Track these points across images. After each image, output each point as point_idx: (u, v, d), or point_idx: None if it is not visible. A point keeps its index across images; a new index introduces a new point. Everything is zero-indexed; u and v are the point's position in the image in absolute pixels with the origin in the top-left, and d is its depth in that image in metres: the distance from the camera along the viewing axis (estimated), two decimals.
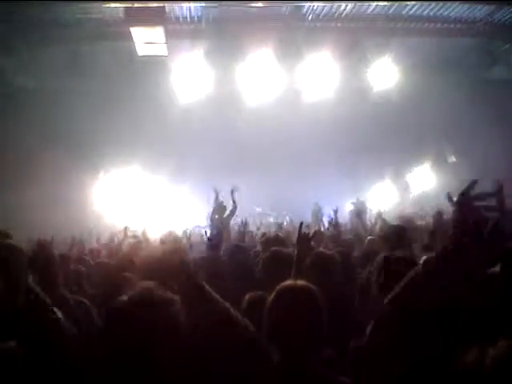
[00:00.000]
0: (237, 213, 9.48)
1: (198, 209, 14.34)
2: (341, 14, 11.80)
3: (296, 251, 3.53)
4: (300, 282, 2.29)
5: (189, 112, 12.78)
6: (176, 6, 11.01)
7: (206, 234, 7.61)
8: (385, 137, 14.50)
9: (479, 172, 12.70)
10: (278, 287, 2.27)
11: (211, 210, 10.23)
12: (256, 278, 3.91)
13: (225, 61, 12.26)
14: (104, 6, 10.45)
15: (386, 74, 12.70)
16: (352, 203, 13.50)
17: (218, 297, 2.15)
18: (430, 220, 7.39)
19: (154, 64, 12.39)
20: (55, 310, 2.48)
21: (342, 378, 2.23)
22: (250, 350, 2.12)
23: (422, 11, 11.99)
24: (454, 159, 16.03)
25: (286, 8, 11.53)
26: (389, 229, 5.30)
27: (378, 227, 8.03)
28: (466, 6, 11.80)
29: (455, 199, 1.85)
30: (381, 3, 11.15)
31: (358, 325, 3.20)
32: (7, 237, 4.02)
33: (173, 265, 2.08)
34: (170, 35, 11.01)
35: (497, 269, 2.11)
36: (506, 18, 12.40)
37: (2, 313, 2.26)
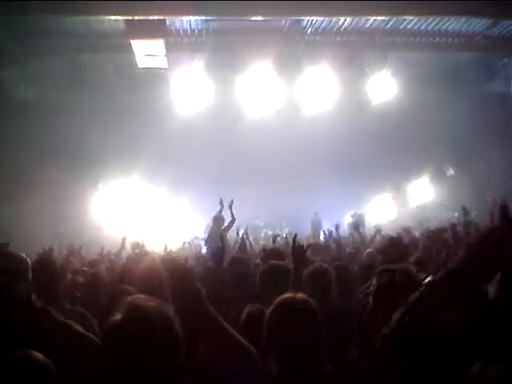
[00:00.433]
0: (235, 224, 9.50)
1: (197, 220, 14.35)
2: (340, 28, 11.89)
3: (292, 264, 3.54)
4: (299, 295, 2.29)
5: (188, 124, 12.82)
6: (176, 19, 11.09)
7: (207, 248, 7.62)
8: (384, 150, 14.54)
9: (478, 185, 12.77)
10: (276, 300, 2.27)
11: (210, 221, 10.26)
12: (254, 290, 3.91)
13: (224, 73, 12.34)
14: (105, 18, 10.53)
15: (384, 87, 12.75)
16: (351, 216, 13.52)
17: (226, 325, 2.13)
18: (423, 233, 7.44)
19: (154, 76, 12.47)
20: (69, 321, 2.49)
21: None
22: (251, 371, 2.11)
23: (420, 25, 12.08)
24: (453, 172, 16.07)
25: (285, 22, 11.62)
26: (386, 242, 5.33)
27: (376, 240, 8.06)
28: (464, 19, 11.88)
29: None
30: (379, 18, 11.23)
31: (355, 339, 3.21)
32: (3, 247, 4.04)
33: (185, 289, 2.05)
34: (170, 48, 11.09)
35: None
36: (504, 31, 12.48)
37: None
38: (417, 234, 8.31)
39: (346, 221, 13.34)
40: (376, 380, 2.02)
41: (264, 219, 15.81)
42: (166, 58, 11.25)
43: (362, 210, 14.52)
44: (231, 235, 9.31)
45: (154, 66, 11.62)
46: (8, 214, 10.85)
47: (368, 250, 6.01)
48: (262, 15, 10.59)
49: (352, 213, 13.82)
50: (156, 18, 10.25)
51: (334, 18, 11.38)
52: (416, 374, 2.00)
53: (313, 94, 12.61)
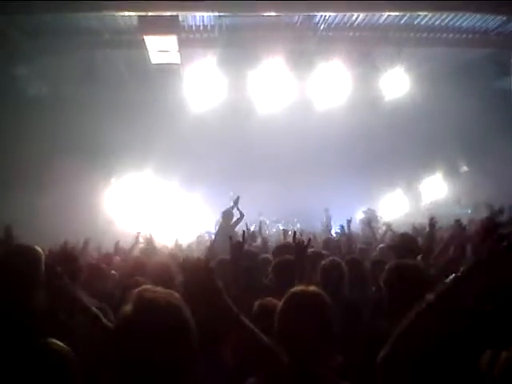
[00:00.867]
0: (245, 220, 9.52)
1: (208, 215, 14.41)
2: (353, 24, 11.84)
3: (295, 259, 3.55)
4: (310, 288, 2.32)
5: (201, 119, 12.87)
6: (189, 14, 11.12)
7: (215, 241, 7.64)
8: (396, 146, 14.49)
9: (491, 182, 12.68)
10: (288, 292, 2.30)
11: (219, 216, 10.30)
12: (263, 283, 3.94)
13: (237, 69, 12.35)
14: (118, 14, 10.58)
15: (397, 83, 12.70)
16: (363, 212, 13.51)
17: (245, 320, 2.15)
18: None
19: (167, 72, 12.52)
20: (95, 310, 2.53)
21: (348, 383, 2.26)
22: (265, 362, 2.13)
23: (434, 21, 11.99)
24: (466, 169, 15.96)
25: (298, 17, 11.59)
26: (398, 238, 5.32)
27: (387, 236, 8.06)
28: (478, 16, 11.78)
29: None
30: (393, 13, 11.17)
31: (366, 333, 3.22)
32: (10, 233, 4.11)
33: (204, 283, 2.05)
34: (183, 43, 11.12)
35: None
36: None
37: (16, 313, 2.31)
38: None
39: (358, 217, 13.33)
40: (389, 372, 2.03)
41: (274, 215, 15.81)
42: (178, 53, 11.28)
43: (375, 206, 14.49)
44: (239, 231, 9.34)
45: (167, 62, 11.66)
46: (20, 208, 10.96)
47: (381, 246, 6.01)
48: (275, 11, 10.57)
49: (364, 208, 13.81)
50: (169, 14, 10.29)
51: (347, 14, 11.33)
52: (430, 364, 2.02)
53: (325, 89, 12.59)
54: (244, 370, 2.20)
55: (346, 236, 7.61)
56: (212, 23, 11.61)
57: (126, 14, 10.32)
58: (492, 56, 13.84)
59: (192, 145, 14.03)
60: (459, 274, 1.86)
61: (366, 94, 13.40)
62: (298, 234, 3.90)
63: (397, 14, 11.22)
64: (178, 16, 10.54)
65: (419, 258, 4.26)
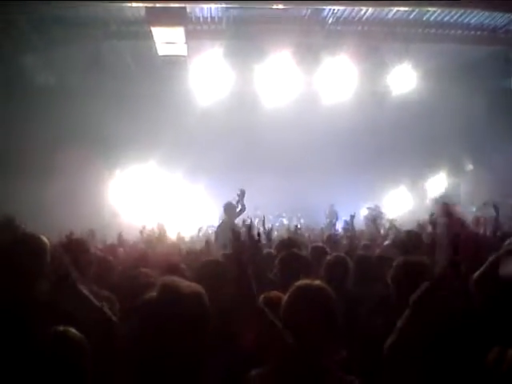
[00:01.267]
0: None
1: (212, 208, 14.42)
2: (361, 18, 11.79)
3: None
4: (315, 282, 2.33)
5: (206, 112, 12.87)
6: (197, 6, 11.09)
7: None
8: (402, 142, 14.46)
9: (496, 180, 12.65)
10: (293, 286, 2.31)
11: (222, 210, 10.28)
12: (268, 278, 3.94)
13: (244, 62, 12.33)
14: (126, 5, 10.56)
15: (404, 79, 12.65)
16: (367, 208, 13.49)
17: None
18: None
19: (174, 64, 12.50)
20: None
21: (353, 377, 2.26)
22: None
23: (443, 18, 11.93)
24: (472, 167, 15.91)
25: (306, 11, 11.54)
26: (403, 235, 5.32)
27: (391, 234, 8.04)
28: (487, 13, 11.71)
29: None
30: (401, 8, 11.11)
31: (369, 328, 3.23)
32: (11, 222, 4.12)
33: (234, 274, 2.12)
34: (190, 35, 11.09)
35: None
36: None
37: (19, 300, 2.33)
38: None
39: (362, 213, 13.31)
40: (395, 360, 2.05)
41: (278, 209, 15.80)
42: (185, 45, 11.26)
43: (379, 202, 14.47)
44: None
45: (174, 54, 11.65)
46: (25, 198, 10.99)
47: (386, 243, 6.01)
48: (283, 4, 10.53)
49: (368, 205, 13.79)
50: (177, 5, 10.27)
51: (356, 8, 11.27)
52: (436, 356, 2.03)
53: (332, 84, 12.57)
54: (256, 359, 2.21)
55: (350, 232, 7.60)
56: (219, 15, 11.58)
57: (134, 4, 10.30)
58: (499, 54, 13.75)
59: (197, 137, 14.03)
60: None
61: (372, 89, 13.37)
62: (301, 229, 3.90)
63: (405, 9, 11.17)
64: (185, 7, 10.51)
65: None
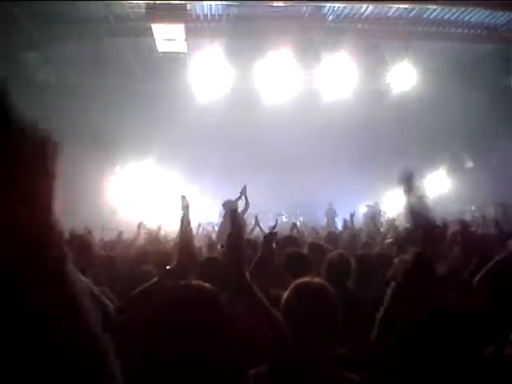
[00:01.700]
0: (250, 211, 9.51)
1: (211, 205, 14.41)
2: (361, 16, 11.77)
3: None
4: (315, 279, 2.33)
5: (206, 109, 12.86)
6: (197, 3, 11.06)
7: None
8: (401, 140, 14.45)
9: (496, 178, 12.65)
10: (293, 283, 2.31)
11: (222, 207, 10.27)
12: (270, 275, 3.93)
13: (244, 59, 12.31)
14: (126, 2, 10.54)
15: (404, 77, 12.65)
16: (367, 206, 13.49)
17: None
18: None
19: (174, 61, 12.48)
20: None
21: (353, 375, 2.26)
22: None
23: (443, 15, 11.92)
24: (472, 165, 15.91)
25: (306, 8, 11.52)
26: (402, 232, 5.31)
27: (390, 232, 8.03)
28: (488, 12, 11.70)
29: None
30: (402, 6, 11.10)
31: (369, 326, 3.22)
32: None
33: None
34: (190, 32, 11.07)
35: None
36: None
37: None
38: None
39: (361, 211, 13.32)
40: (379, 354, 2.06)
41: (277, 207, 15.78)
42: (185, 42, 11.24)
43: (378, 200, 14.48)
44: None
45: (174, 51, 11.63)
46: None
47: (389, 241, 6.00)
48: (283, 1, 10.52)
49: (367, 203, 13.80)
50: (177, 2, 10.25)
51: (356, 6, 11.26)
52: (433, 359, 2.03)
53: (332, 81, 12.55)
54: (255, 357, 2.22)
55: (349, 230, 7.61)
56: (220, 12, 11.56)
57: (134, 1, 10.28)
58: (500, 52, 13.75)
59: (197, 134, 14.02)
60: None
61: (372, 87, 13.36)
62: (300, 227, 3.90)
63: (406, 6, 11.15)
64: (185, 4, 10.50)
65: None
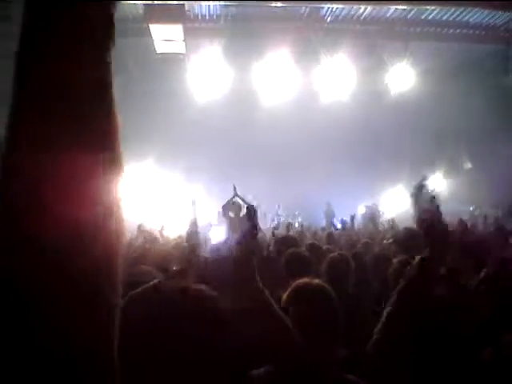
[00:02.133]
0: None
1: (210, 206, 14.37)
2: (360, 17, 11.79)
3: None
4: (315, 280, 2.32)
5: (205, 110, 12.84)
6: (195, 4, 11.05)
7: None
8: (400, 140, 14.44)
9: (495, 179, 12.64)
10: (293, 284, 2.30)
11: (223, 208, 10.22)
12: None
13: (242, 60, 12.30)
14: (124, 2, 10.52)
15: (403, 77, 12.65)
16: (365, 206, 13.48)
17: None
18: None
19: (172, 61, 12.47)
20: None
21: (354, 377, 2.25)
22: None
23: (442, 16, 11.93)
24: (470, 165, 15.90)
25: (305, 9, 11.53)
26: (401, 232, 5.30)
27: (390, 232, 8.03)
28: (487, 11, 11.70)
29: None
30: (400, 7, 11.10)
31: (370, 328, 3.22)
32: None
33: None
34: (188, 33, 11.07)
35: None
36: None
37: None
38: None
39: (360, 211, 13.30)
40: (379, 359, 2.05)
41: (275, 207, 15.75)
42: (184, 43, 11.23)
43: (377, 200, 14.46)
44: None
45: (172, 51, 11.62)
46: None
47: (389, 241, 5.99)
48: (282, 1, 10.52)
49: (366, 203, 13.77)
50: (175, 2, 10.23)
51: (355, 7, 11.27)
52: (432, 363, 2.02)
53: (330, 82, 12.55)
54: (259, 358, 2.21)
55: (348, 231, 7.61)
56: (218, 13, 11.56)
57: (132, 2, 10.26)
58: (499, 52, 13.76)
59: (195, 135, 13.99)
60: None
61: (370, 87, 13.35)
62: (299, 228, 3.89)
63: (404, 7, 11.15)
64: (183, 5, 10.48)
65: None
